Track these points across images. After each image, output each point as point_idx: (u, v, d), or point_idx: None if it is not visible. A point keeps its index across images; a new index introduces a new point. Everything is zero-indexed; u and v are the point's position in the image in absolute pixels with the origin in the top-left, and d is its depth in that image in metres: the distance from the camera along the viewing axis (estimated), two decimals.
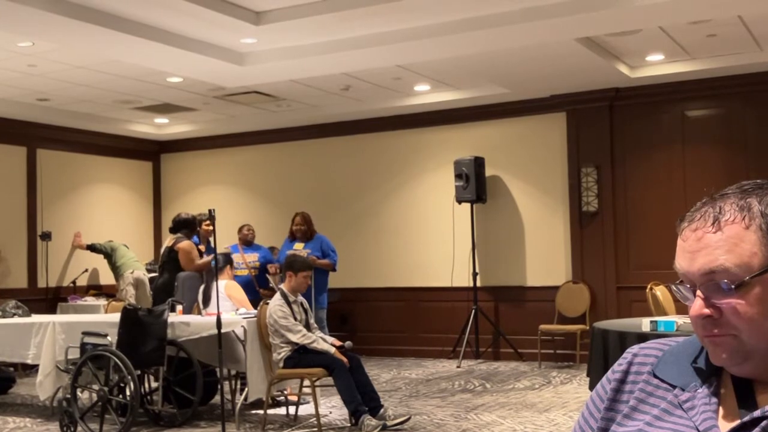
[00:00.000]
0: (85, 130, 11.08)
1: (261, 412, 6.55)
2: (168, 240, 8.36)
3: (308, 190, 11.24)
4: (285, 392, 7.12)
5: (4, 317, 7.51)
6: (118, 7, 6.54)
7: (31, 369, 8.70)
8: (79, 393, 6.58)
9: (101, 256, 10.65)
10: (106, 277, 11.01)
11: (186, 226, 8.28)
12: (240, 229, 9.14)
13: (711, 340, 1.16)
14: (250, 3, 6.82)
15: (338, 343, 6.47)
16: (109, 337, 6.43)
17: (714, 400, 1.17)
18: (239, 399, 6.70)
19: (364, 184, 11.03)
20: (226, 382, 6.86)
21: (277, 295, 6.51)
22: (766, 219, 1.14)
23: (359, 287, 10.72)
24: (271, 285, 8.69)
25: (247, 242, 9.07)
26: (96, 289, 11.08)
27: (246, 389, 6.51)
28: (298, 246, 8.79)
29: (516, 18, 6.79)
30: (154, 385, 6.96)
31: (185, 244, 8.09)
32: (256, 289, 8.62)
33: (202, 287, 7.48)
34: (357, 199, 11.05)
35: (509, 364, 9.69)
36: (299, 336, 6.24)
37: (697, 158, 9.18)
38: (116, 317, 6.65)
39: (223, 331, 6.06)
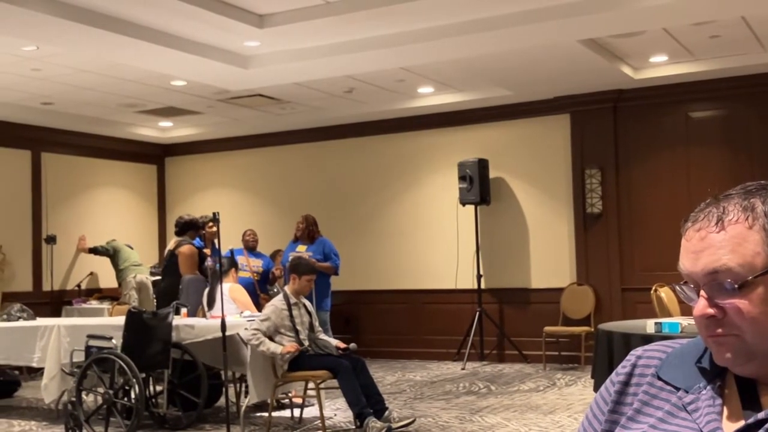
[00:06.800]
0: (89, 133, 11.09)
1: (266, 414, 6.54)
2: (171, 243, 8.31)
3: (312, 192, 11.23)
4: (290, 394, 7.12)
5: (9, 320, 7.52)
6: (121, 11, 6.55)
7: (36, 372, 8.70)
8: (84, 396, 6.59)
9: (105, 258, 10.65)
10: (108, 281, 11.01)
11: (190, 227, 8.25)
12: (243, 235, 9.15)
13: (714, 340, 1.16)
14: (254, 6, 6.83)
15: (342, 345, 6.47)
16: (113, 340, 6.44)
17: (718, 401, 1.16)
18: (244, 402, 6.71)
19: (367, 187, 11.03)
20: (231, 385, 6.86)
21: (279, 296, 6.51)
22: None
23: (363, 290, 10.71)
24: (275, 290, 8.69)
25: (249, 248, 9.07)
26: (98, 292, 11.08)
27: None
28: (301, 248, 8.77)
29: (519, 20, 6.79)
30: (158, 387, 6.96)
31: (186, 248, 8.02)
32: (257, 293, 8.62)
33: (206, 290, 7.49)
34: (361, 201, 11.05)
35: (514, 366, 9.68)
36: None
37: (701, 159, 9.16)
38: (121, 320, 6.66)
39: (227, 333, 6.07)
